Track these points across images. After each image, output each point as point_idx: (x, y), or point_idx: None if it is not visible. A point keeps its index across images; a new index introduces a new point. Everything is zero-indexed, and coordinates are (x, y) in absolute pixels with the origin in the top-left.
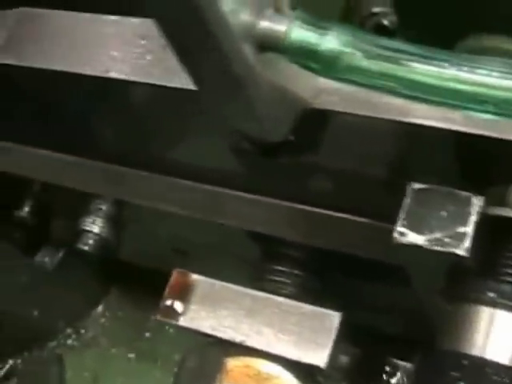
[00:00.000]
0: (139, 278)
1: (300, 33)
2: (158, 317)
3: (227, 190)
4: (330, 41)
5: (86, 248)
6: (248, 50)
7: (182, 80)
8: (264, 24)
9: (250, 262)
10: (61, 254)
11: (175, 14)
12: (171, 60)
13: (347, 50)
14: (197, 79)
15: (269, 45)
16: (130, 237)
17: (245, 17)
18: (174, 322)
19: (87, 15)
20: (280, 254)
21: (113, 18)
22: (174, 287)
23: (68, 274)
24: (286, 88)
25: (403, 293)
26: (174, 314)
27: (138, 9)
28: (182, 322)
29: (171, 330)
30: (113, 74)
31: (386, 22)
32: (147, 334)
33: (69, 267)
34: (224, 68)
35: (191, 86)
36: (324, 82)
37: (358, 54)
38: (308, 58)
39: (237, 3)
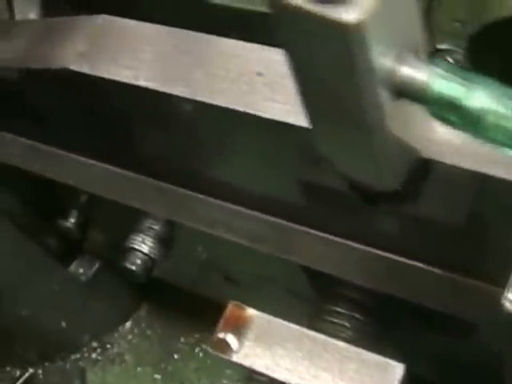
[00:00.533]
0: (172, 297)
1: (444, 84)
2: (210, 350)
3: (297, 226)
4: (478, 96)
5: (133, 267)
6: (384, 97)
7: (274, 110)
8: (405, 71)
9: (305, 299)
10: (96, 267)
11: (316, 47)
12: (264, 89)
13: (496, 107)
14: (315, 119)
15: (407, 93)
16: (178, 260)
17: (388, 61)
18: (226, 357)
19: (174, 30)
20: (341, 296)
21: (200, 35)
22: (228, 320)
23: (100, 287)
24: (404, 137)
25: (471, 347)
26: (227, 348)
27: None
28: (236, 357)
29: (201, 354)
30: (197, 97)
31: (450, 60)
32: (176, 356)
33: (102, 280)
34: (353, 112)
35: (289, 119)
36: (435, 131)
37: (507, 113)
38: (450, 112)
39: (385, 45)
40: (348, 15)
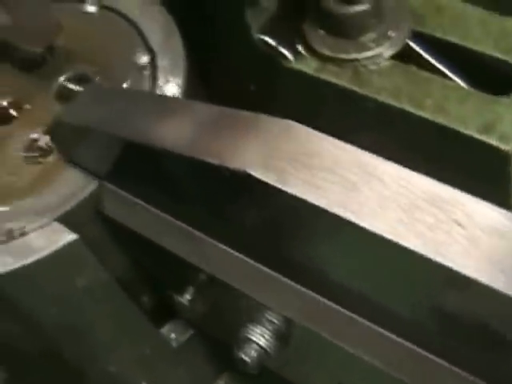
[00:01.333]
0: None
1: None
2: None
3: (435, 357)
4: None
5: (248, 359)
6: None
7: (467, 266)
8: None
9: None
10: (190, 334)
11: None
12: (462, 241)
13: None
14: None
15: None
16: (292, 357)
17: None
18: None
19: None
20: None
21: (396, 166)
22: None
23: (188, 354)
24: None
25: None
26: None
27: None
28: None
29: None
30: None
31: None
32: None
33: (192, 348)
34: None
35: (481, 279)
36: None
37: None
38: None
39: None
40: None
